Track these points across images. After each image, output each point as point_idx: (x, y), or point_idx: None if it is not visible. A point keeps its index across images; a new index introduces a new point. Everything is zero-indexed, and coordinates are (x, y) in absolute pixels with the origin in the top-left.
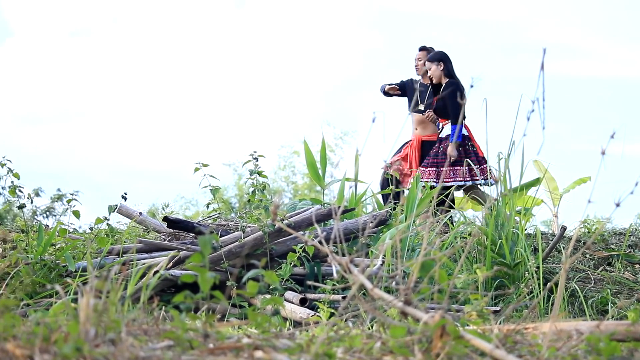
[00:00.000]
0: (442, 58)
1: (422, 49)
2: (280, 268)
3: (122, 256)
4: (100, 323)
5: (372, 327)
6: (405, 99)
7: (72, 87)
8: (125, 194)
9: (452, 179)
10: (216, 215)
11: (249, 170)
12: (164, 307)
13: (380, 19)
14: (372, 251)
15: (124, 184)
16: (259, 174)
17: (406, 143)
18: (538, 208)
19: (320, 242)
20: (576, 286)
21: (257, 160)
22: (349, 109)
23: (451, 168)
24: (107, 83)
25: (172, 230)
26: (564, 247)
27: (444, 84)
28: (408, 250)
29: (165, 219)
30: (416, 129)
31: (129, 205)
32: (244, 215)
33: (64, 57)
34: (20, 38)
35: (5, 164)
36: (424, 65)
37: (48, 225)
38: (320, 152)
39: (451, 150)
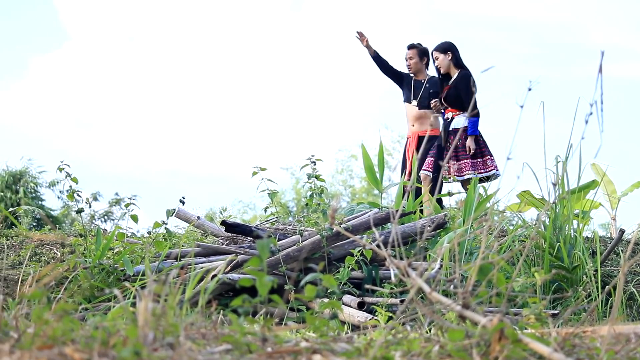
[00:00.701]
0: (449, 48)
1: (411, 46)
2: (338, 272)
3: (180, 260)
4: (158, 327)
5: (430, 330)
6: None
7: (130, 91)
8: (183, 198)
9: (483, 170)
10: (274, 219)
11: (306, 174)
12: (222, 311)
13: (437, 21)
14: (430, 254)
15: (182, 188)
16: (317, 177)
17: (405, 144)
18: (596, 211)
19: (378, 246)
20: (634, 289)
21: (314, 164)
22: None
23: (472, 160)
24: (166, 86)
25: (230, 234)
26: (622, 250)
27: (455, 75)
28: (466, 253)
29: (223, 222)
30: (413, 125)
31: (187, 209)
32: (302, 219)
33: (121, 61)
34: (77, 42)
35: (63, 169)
36: (416, 63)
37: (106, 230)
38: (378, 156)
39: (470, 142)
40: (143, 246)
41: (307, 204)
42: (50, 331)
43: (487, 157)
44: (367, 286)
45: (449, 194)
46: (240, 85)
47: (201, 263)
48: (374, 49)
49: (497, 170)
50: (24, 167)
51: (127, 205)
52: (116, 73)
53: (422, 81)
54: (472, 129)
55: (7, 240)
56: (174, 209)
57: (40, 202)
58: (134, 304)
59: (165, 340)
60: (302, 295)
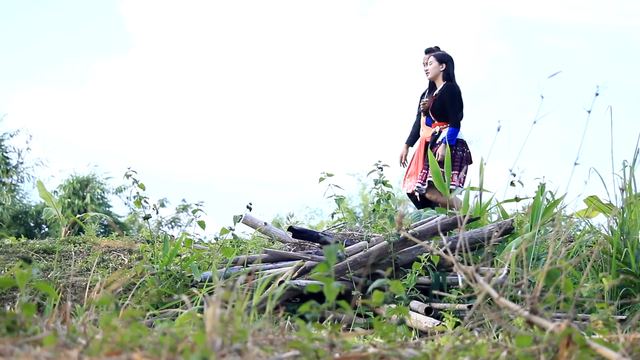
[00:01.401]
0: (446, 60)
1: (429, 51)
2: (406, 277)
3: (247, 266)
4: (226, 333)
5: (497, 336)
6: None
7: (196, 96)
8: (250, 204)
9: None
10: (341, 225)
11: (373, 179)
12: (289, 317)
13: (503, 27)
14: (497, 260)
15: (249, 194)
16: (384, 183)
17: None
18: None
19: (445, 252)
20: None
21: (381, 170)
22: (473, 117)
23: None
24: (232, 93)
25: (297, 240)
26: None
27: (440, 86)
28: (533, 259)
29: (290, 228)
30: (422, 131)
31: (253, 215)
32: (369, 224)
33: (186, 67)
34: (142, 48)
35: (130, 175)
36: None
37: (173, 236)
38: (445, 161)
39: (442, 150)
40: (210, 252)
41: (374, 210)
42: (118, 337)
43: (454, 172)
44: (435, 292)
45: (516, 199)
46: (309, 92)
47: (268, 269)
48: (405, 152)
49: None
50: (90, 174)
51: (194, 212)
52: (181, 79)
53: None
54: (449, 138)
55: (75, 246)
56: (241, 215)
57: (107, 209)
58: (201, 310)
59: (233, 346)
60: (370, 301)
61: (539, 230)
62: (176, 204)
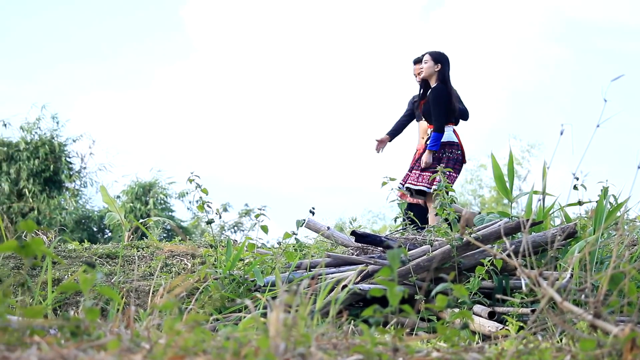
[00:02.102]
0: (442, 60)
1: (418, 61)
2: (469, 281)
3: (310, 270)
4: (289, 337)
5: (561, 340)
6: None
7: (257, 101)
8: (313, 208)
9: (418, 183)
10: (404, 229)
11: (436, 183)
12: (352, 321)
13: (567, 30)
14: (560, 264)
15: (311, 198)
16: (447, 187)
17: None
18: None
19: (508, 255)
20: None
21: (443, 174)
22: (536, 121)
23: (420, 173)
24: (295, 98)
25: (359, 244)
26: None
27: (431, 87)
28: (597, 263)
29: (353, 233)
30: (422, 138)
31: (316, 219)
32: (432, 228)
33: (246, 72)
34: (202, 53)
35: (193, 180)
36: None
37: (236, 240)
38: (508, 165)
39: (426, 157)
40: (273, 257)
41: (436, 214)
42: (182, 342)
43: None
44: (498, 296)
45: (579, 203)
46: (371, 95)
47: (331, 273)
48: (385, 142)
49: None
50: (153, 179)
51: (257, 216)
52: (242, 83)
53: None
54: (431, 144)
55: (138, 251)
56: (304, 220)
57: (169, 213)
58: (264, 315)
59: (297, 350)
60: (433, 305)
61: (602, 234)
62: (239, 208)
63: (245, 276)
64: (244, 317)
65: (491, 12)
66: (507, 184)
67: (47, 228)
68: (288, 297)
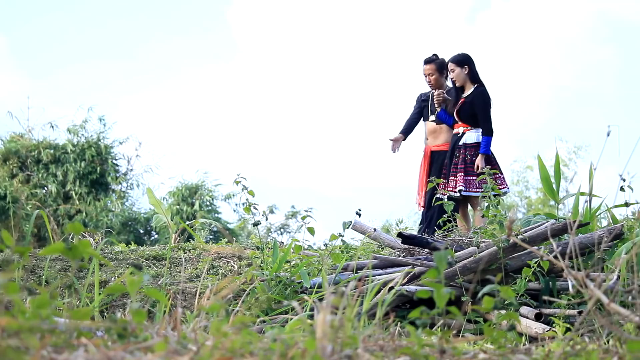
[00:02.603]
0: (466, 61)
1: (429, 61)
2: (515, 283)
3: (357, 272)
4: (336, 339)
5: (608, 342)
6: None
7: (302, 103)
8: (360, 210)
9: (478, 189)
10: (450, 231)
11: (482, 185)
12: (399, 323)
13: (614, 31)
14: (607, 266)
15: (358, 200)
16: (493, 189)
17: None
18: None
19: (555, 257)
20: None
21: (491, 176)
22: (583, 123)
23: (475, 178)
24: (340, 99)
25: (406, 246)
26: None
27: (470, 89)
28: None
29: (400, 234)
30: (427, 139)
31: (363, 221)
32: (478, 230)
33: (292, 73)
34: (247, 54)
35: (240, 182)
36: (437, 79)
37: (283, 242)
38: (554, 167)
39: (480, 161)
40: (320, 258)
41: (483, 216)
42: (229, 344)
43: (496, 176)
44: (545, 297)
45: (626, 204)
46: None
47: (378, 275)
48: (400, 140)
49: (507, 188)
50: (199, 181)
51: (303, 218)
52: (287, 85)
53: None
54: (484, 148)
55: (185, 253)
56: (351, 221)
57: (215, 215)
58: (311, 317)
59: (344, 352)
60: (480, 306)
61: None
62: (285, 210)
63: (292, 278)
64: (291, 319)
65: (537, 14)
66: (554, 186)
67: (94, 230)
68: (335, 299)
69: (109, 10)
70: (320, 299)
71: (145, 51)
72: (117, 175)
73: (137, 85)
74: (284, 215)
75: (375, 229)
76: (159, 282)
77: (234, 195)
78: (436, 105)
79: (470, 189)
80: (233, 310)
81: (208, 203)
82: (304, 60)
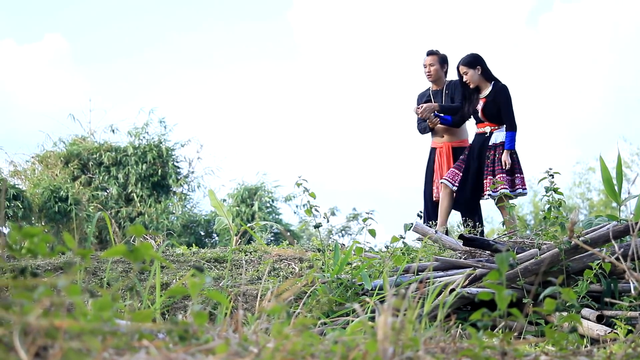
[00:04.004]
0: (478, 61)
1: (430, 53)
2: (577, 285)
3: (418, 274)
4: (398, 341)
5: None
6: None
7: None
8: (421, 212)
9: (518, 187)
10: (512, 233)
11: (544, 187)
12: (460, 325)
13: None
14: None
15: (419, 202)
16: (555, 190)
17: (432, 154)
18: None
19: (617, 259)
20: None
21: (552, 177)
22: None
23: (507, 177)
24: (400, 101)
25: (467, 248)
26: None
27: (487, 88)
28: None
29: (461, 236)
30: (442, 136)
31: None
32: (540, 232)
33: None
34: (307, 57)
35: (301, 184)
36: (436, 70)
37: (344, 244)
38: (616, 169)
39: (506, 157)
40: (381, 260)
41: (545, 217)
42: (290, 346)
43: (516, 175)
44: (606, 299)
45: None
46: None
47: (439, 277)
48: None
49: (523, 189)
50: (259, 182)
51: (364, 220)
52: (346, 87)
53: (441, 90)
54: (509, 144)
55: (246, 255)
56: (412, 223)
57: (276, 216)
58: (372, 319)
59: (405, 354)
60: (541, 308)
61: None
62: (346, 212)
63: (353, 280)
64: (352, 320)
65: (599, 14)
66: (616, 187)
67: (155, 232)
68: (396, 301)
69: (170, 15)
70: (382, 301)
71: (207, 54)
72: (178, 177)
73: (198, 87)
74: (345, 217)
75: (436, 231)
76: (220, 285)
77: (294, 197)
78: (421, 117)
79: (498, 190)
80: (294, 312)
81: (268, 204)
82: (364, 62)
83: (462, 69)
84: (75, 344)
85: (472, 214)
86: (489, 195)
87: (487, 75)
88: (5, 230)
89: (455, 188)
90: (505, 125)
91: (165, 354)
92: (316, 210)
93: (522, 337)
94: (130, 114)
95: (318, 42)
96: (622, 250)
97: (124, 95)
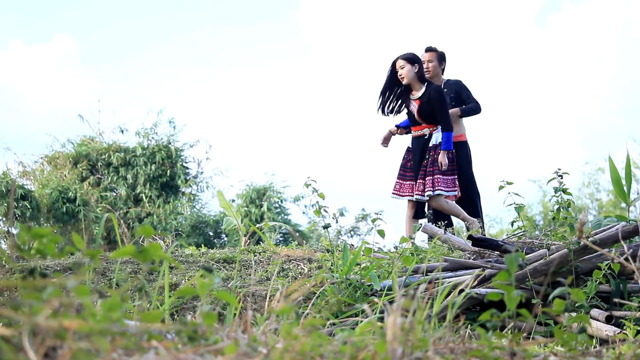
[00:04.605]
0: (416, 60)
1: (429, 49)
2: (586, 285)
3: (427, 275)
4: (407, 342)
5: None
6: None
7: (370, 106)
8: (430, 212)
9: (449, 189)
10: (521, 233)
11: (553, 187)
12: (469, 326)
13: None
14: None
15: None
16: (564, 191)
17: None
18: None
19: (626, 259)
20: None
21: (561, 178)
22: None
23: (443, 177)
24: None
25: (476, 249)
26: None
27: (422, 89)
28: None
29: (470, 237)
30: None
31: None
32: (549, 232)
33: (359, 77)
34: (315, 58)
35: (310, 184)
36: (435, 67)
37: (353, 245)
38: (625, 169)
39: (442, 158)
40: (390, 261)
41: (554, 218)
42: (299, 346)
43: (456, 177)
44: (615, 300)
45: None
46: (487, 99)
47: (448, 278)
48: (395, 132)
49: (456, 191)
50: (267, 183)
51: (373, 221)
52: (355, 88)
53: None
54: (445, 144)
55: (255, 256)
56: (421, 224)
57: (284, 217)
58: (381, 319)
59: (414, 355)
60: (550, 309)
61: None
62: (355, 213)
63: (362, 280)
64: (361, 321)
65: (608, 14)
66: (625, 188)
67: (164, 233)
68: (405, 302)
69: (178, 16)
70: (391, 302)
71: (216, 55)
72: (187, 178)
73: (207, 88)
74: (354, 218)
75: (445, 232)
76: (229, 285)
77: (302, 197)
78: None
79: (435, 189)
80: (303, 312)
81: (277, 205)
82: (372, 62)
83: (400, 62)
84: (84, 344)
85: (441, 216)
86: (417, 197)
87: (422, 76)
88: (15, 231)
89: (458, 193)
90: (440, 126)
91: (174, 355)
92: (325, 210)
93: (531, 337)
94: (139, 115)
95: (326, 42)
96: (631, 250)
97: (132, 95)
